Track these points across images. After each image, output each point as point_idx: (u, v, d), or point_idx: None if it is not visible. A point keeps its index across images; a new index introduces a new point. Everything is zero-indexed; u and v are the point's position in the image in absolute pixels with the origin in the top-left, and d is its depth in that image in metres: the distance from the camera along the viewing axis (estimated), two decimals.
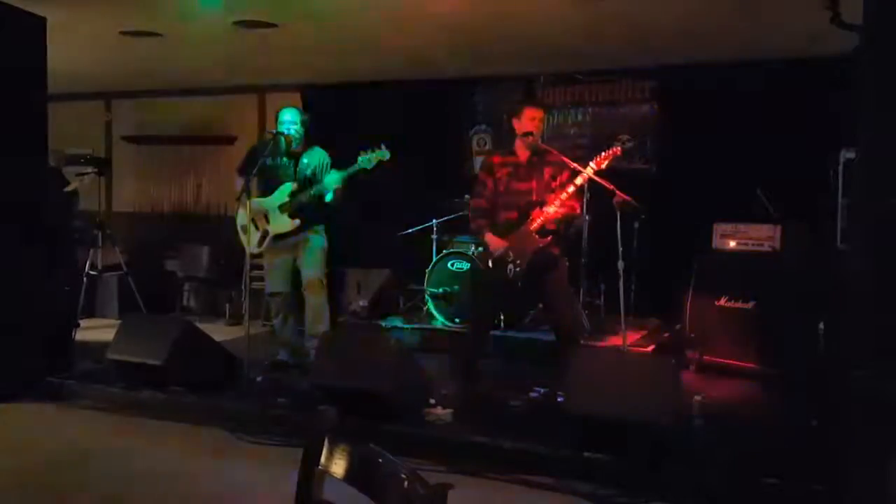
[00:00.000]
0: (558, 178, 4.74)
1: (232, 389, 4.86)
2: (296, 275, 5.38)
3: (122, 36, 6.26)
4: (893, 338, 2.79)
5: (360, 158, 4.96)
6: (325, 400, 4.19)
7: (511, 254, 4.70)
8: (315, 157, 5.28)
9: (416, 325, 6.63)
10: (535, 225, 4.65)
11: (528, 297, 5.98)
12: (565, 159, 4.76)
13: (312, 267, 5.30)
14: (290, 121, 5.24)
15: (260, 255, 5.45)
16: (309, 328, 5.34)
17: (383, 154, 4.97)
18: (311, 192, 5.09)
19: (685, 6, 5.17)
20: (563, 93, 7.44)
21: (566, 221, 4.86)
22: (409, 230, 6.98)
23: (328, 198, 5.11)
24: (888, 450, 2.79)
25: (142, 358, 4.82)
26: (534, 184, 4.75)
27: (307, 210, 5.19)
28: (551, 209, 4.62)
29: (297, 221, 5.17)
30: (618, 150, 4.61)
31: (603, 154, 4.57)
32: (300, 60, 7.19)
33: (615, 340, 5.86)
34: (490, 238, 4.77)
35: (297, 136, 5.23)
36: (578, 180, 4.61)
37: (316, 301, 5.31)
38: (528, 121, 4.78)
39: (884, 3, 2.87)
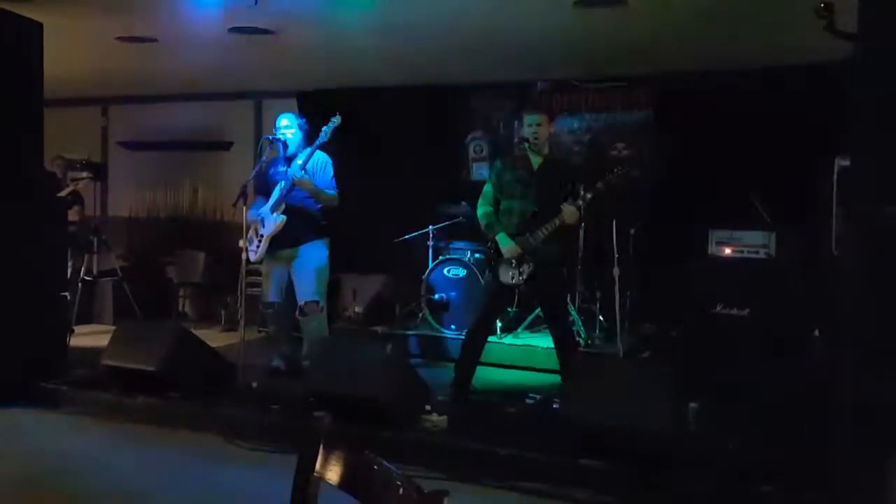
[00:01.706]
0: (566, 189, 4.74)
1: (227, 396, 4.83)
2: (292, 288, 5.30)
3: (118, 42, 6.26)
4: (888, 343, 2.80)
5: (322, 130, 5.03)
6: (320, 406, 4.18)
7: (514, 261, 4.70)
8: (310, 157, 5.17)
9: (412, 332, 6.63)
10: (540, 235, 4.65)
11: (527, 304, 6.00)
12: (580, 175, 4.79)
13: (306, 288, 5.20)
14: (285, 126, 5.25)
15: (258, 263, 5.42)
16: (306, 348, 5.30)
17: (336, 120, 5.02)
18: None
19: (682, 15, 5.19)
20: (560, 100, 7.45)
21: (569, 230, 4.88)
22: (406, 236, 6.97)
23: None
24: (885, 455, 2.79)
25: (136, 364, 4.80)
26: (541, 193, 4.74)
27: (300, 219, 5.16)
28: (558, 220, 4.62)
29: (283, 217, 5.10)
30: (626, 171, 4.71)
31: (613, 173, 4.63)
32: (296, 67, 7.20)
33: (611, 347, 5.87)
34: (503, 241, 4.73)
35: (293, 140, 5.22)
36: (588, 196, 4.63)
37: (311, 325, 5.22)
38: (526, 127, 4.80)
39: (878, 12, 2.89)
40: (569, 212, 4.59)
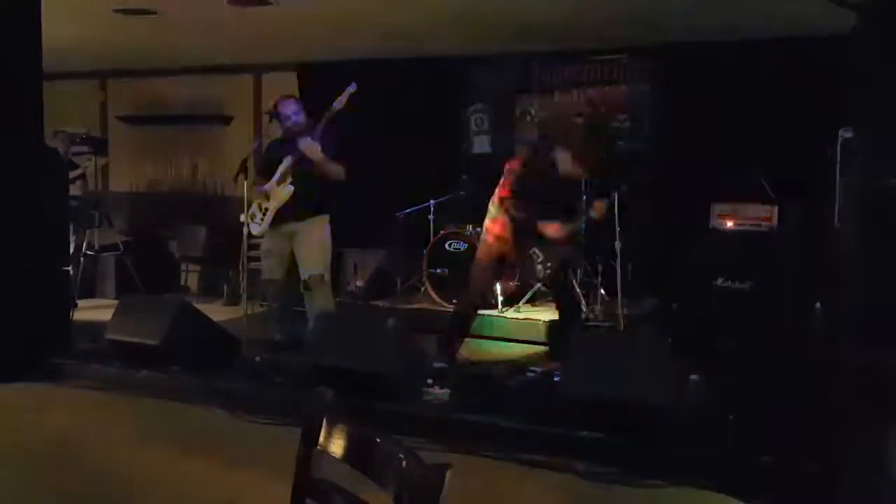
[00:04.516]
0: None
1: (230, 369, 4.87)
2: (293, 263, 5.29)
3: (117, 14, 6.20)
4: (888, 316, 2.81)
5: (333, 103, 4.98)
6: (323, 380, 4.19)
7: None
8: (323, 129, 5.11)
9: (413, 306, 6.64)
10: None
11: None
12: None
13: (312, 261, 5.18)
14: (293, 112, 5.20)
15: (260, 236, 5.42)
16: (312, 323, 5.29)
17: (351, 89, 4.97)
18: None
19: None
20: (561, 72, 7.40)
21: None
22: (407, 210, 6.96)
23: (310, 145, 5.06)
24: (883, 428, 2.81)
25: (140, 338, 4.83)
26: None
27: (305, 194, 5.13)
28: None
29: (291, 187, 5.09)
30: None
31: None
32: (296, 39, 7.14)
33: (612, 320, 5.88)
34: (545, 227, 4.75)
35: (301, 122, 5.20)
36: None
37: (318, 299, 5.19)
38: None
39: None
40: None
